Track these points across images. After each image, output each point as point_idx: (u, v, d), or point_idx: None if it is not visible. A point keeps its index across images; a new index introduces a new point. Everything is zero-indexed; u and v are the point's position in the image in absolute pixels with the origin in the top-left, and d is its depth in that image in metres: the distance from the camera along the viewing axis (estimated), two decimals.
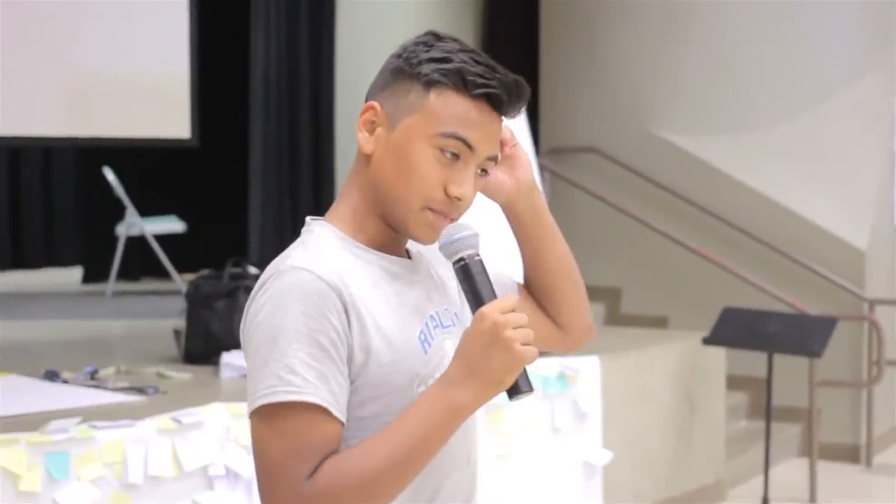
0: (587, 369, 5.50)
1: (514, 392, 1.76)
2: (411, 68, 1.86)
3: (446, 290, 2.00)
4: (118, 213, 9.55)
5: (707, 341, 6.33)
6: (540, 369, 5.29)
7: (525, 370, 1.76)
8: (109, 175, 9.25)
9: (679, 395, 6.36)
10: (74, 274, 10.73)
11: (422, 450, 1.74)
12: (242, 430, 4.10)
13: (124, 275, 9.72)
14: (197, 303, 5.39)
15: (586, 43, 8.96)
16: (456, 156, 1.84)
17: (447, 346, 1.91)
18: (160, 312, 7.67)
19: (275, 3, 9.36)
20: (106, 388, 4.66)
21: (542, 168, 8.02)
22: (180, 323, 5.54)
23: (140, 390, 4.58)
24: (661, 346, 6.42)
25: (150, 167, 10.35)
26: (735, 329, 6.30)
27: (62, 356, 5.65)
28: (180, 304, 6.82)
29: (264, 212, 9.35)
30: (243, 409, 4.15)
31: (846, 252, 8.09)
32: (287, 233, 9.42)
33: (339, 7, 9.73)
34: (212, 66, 9.06)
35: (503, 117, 1.90)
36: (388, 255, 1.91)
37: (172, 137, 8.32)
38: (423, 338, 1.88)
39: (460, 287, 1.82)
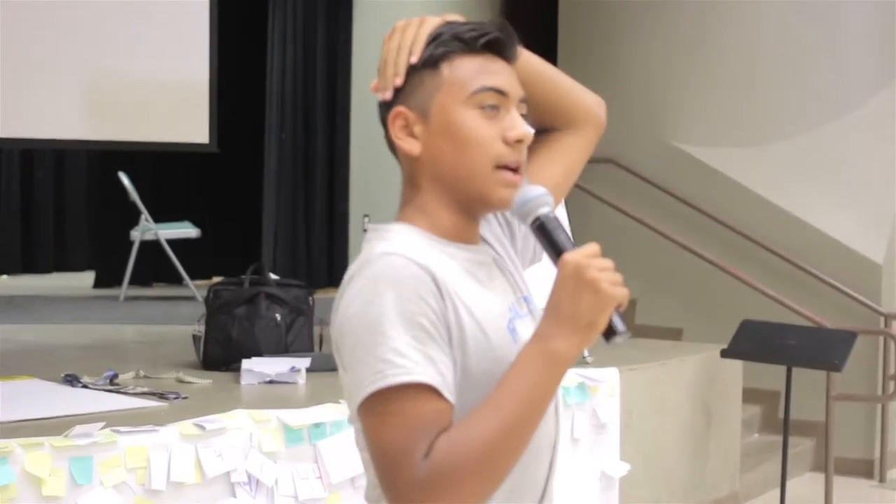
0: (607, 380, 5.48)
1: (610, 334, 1.74)
2: (412, 67, 1.88)
3: (514, 274, 2.01)
4: (131, 218, 9.54)
5: (725, 354, 6.29)
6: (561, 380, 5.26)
7: (618, 312, 1.74)
8: (125, 180, 9.24)
9: (696, 407, 6.33)
10: (86, 278, 10.71)
11: (530, 408, 1.70)
12: (265, 437, 4.08)
13: (137, 280, 9.70)
14: (216, 309, 5.37)
15: (604, 54, 8.95)
16: (495, 107, 1.86)
17: (528, 335, 1.85)
18: (173, 318, 7.66)
19: (292, 10, 9.36)
20: (127, 393, 4.64)
21: None
22: (199, 329, 5.51)
23: (161, 395, 4.56)
24: (678, 358, 6.39)
25: (163, 172, 10.33)
26: (754, 342, 6.27)
27: (79, 360, 5.62)
28: (193, 309, 6.80)
29: (278, 218, 9.34)
30: (266, 415, 4.14)
31: (863, 265, 8.06)
32: (301, 239, 9.42)
33: (356, 14, 9.73)
34: (227, 72, 9.06)
35: (510, 62, 1.93)
36: (469, 246, 1.91)
37: (191, 142, 8.29)
38: (511, 326, 1.88)
39: (540, 245, 1.83)
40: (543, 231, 1.81)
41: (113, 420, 3.92)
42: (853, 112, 8.49)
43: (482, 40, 1.88)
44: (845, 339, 6.20)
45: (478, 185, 1.86)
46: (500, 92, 1.87)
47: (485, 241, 1.99)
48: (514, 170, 1.87)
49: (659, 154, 8.69)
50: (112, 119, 8.02)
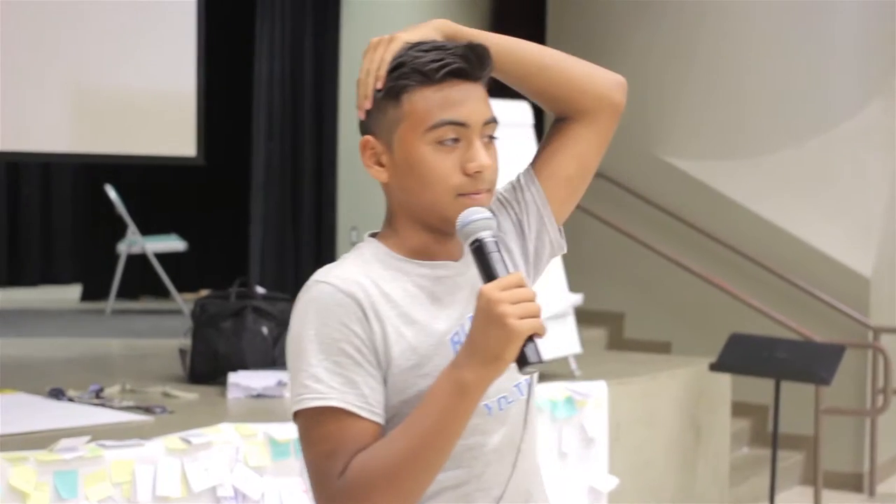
0: (595, 394, 5.47)
1: (521, 364, 1.79)
2: (377, 94, 1.93)
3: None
4: (118, 231, 9.51)
5: (714, 367, 6.29)
6: (549, 394, 5.26)
7: (533, 342, 1.77)
8: (111, 193, 9.21)
9: (685, 421, 6.33)
10: (72, 291, 10.67)
11: (439, 433, 1.80)
12: (251, 451, 4.07)
13: (124, 293, 9.66)
14: (203, 322, 5.35)
15: None
16: (456, 139, 1.90)
17: None
18: (160, 331, 7.64)
19: (279, 21, 9.34)
20: (112, 407, 4.62)
21: None
22: (186, 342, 5.49)
23: (147, 409, 4.54)
24: (667, 371, 6.39)
25: (150, 185, 10.31)
26: (742, 355, 6.26)
27: (65, 374, 5.59)
28: (180, 322, 6.78)
29: (265, 231, 9.31)
30: (252, 429, 4.13)
31: (851, 279, 8.06)
32: (288, 252, 9.38)
33: (343, 24, 9.72)
34: (214, 84, 9.03)
35: (479, 82, 1.94)
36: (431, 262, 1.97)
37: (178, 155, 8.26)
38: (456, 339, 1.93)
39: (477, 268, 1.86)
40: (479, 254, 1.85)
41: (98, 434, 3.90)
42: (840, 125, 8.50)
43: (442, 72, 1.90)
44: (834, 353, 6.20)
45: (440, 213, 1.92)
46: (460, 124, 1.90)
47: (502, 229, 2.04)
48: (474, 193, 1.91)
49: (647, 167, 8.69)
50: (98, 132, 7.99)
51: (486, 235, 1.85)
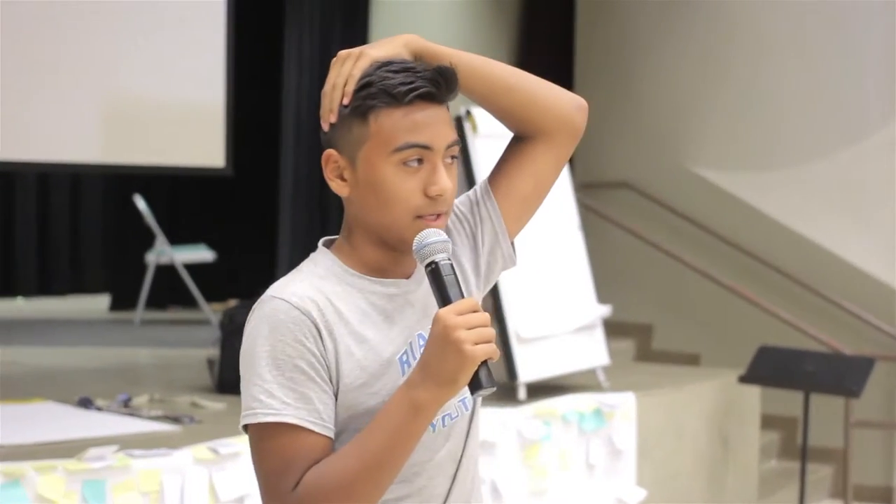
0: (623, 406, 5.45)
1: (474, 388, 1.84)
2: (343, 109, 1.96)
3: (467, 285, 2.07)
4: (146, 241, 9.54)
5: (743, 380, 6.26)
6: (577, 406, 5.25)
7: (486, 366, 1.83)
8: (140, 203, 9.25)
9: (714, 433, 6.30)
10: (101, 301, 10.70)
11: (391, 450, 1.84)
12: None
13: (152, 303, 9.70)
14: (231, 332, 5.36)
15: (620, 78, 8.94)
16: (419, 160, 1.92)
17: None
18: (189, 341, 7.66)
19: (308, 32, 9.36)
20: (140, 417, 4.63)
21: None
22: (214, 352, 5.50)
23: (175, 419, 4.55)
24: (696, 383, 6.37)
25: (178, 195, 10.34)
26: (771, 368, 6.23)
27: (94, 383, 5.61)
28: (209, 332, 6.78)
29: (293, 242, 9.31)
30: None
31: (881, 291, 8.01)
32: None
33: (372, 35, 9.72)
34: (243, 95, 9.06)
35: (444, 104, 1.96)
36: (383, 280, 1.99)
37: (206, 166, 8.29)
38: (404, 358, 1.96)
39: (432, 289, 1.89)
40: (435, 276, 1.88)
41: (127, 443, 3.91)
42: (870, 137, 8.46)
43: (410, 96, 1.91)
44: (863, 365, 6.16)
45: (397, 233, 1.94)
46: (424, 147, 1.92)
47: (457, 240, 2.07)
48: (436, 215, 1.94)
49: (675, 178, 8.66)
50: (128, 142, 8.01)
51: (442, 258, 1.88)
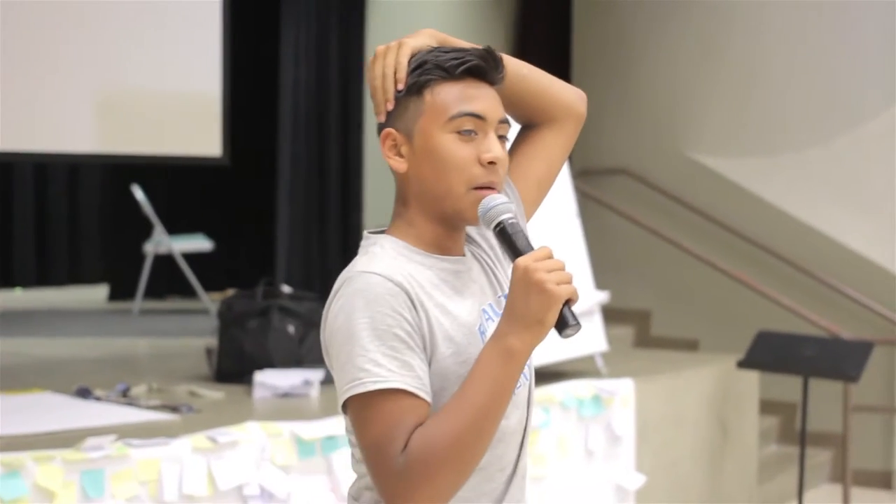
0: (622, 392, 5.45)
1: (561, 328, 1.91)
2: (398, 94, 2.05)
3: (497, 274, 2.16)
4: (145, 231, 9.54)
5: (742, 365, 6.26)
6: (576, 392, 5.25)
7: (569, 308, 1.90)
8: (138, 193, 9.24)
9: (712, 419, 6.31)
10: (99, 292, 10.70)
11: (492, 400, 1.90)
12: (277, 450, 4.07)
13: (150, 293, 9.69)
14: (229, 321, 5.36)
15: (618, 64, 8.93)
16: (472, 131, 2.02)
17: None
18: (187, 331, 7.66)
19: (305, 22, 9.34)
20: (139, 406, 4.63)
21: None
22: (212, 341, 5.50)
23: (173, 408, 4.55)
24: (694, 369, 6.37)
25: (177, 185, 10.34)
26: (770, 353, 6.23)
27: (92, 373, 5.61)
28: (207, 322, 6.78)
29: (292, 231, 9.31)
30: (278, 428, 4.13)
31: (879, 276, 8.02)
32: (314, 252, 9.40)
33: (369, 27, 9.72)
34: (240, 85, 9.05)
35: (493, 85, 2.08)
36: (446, 257, 2.08)
37: (204, 155, 8.29)
38: (481, 329, 2.05)
39: (502, 248, 1.99)
40: (504, 235, 1.97)
41: (125, 433, 3.91)
42: (869, 122, 8.45)
43: (462, 68, 2.03)
44: (862, 350, 6.16)
45: (453, 203, 2.03)
46: (478, 116, 2.03)
47: (474, 242, 2.17)
48: (490, 188, 2.03)
49: (673, 165, 8.67)
50: (125, 132, 8.02)
51: (508, 217, 1.97)
